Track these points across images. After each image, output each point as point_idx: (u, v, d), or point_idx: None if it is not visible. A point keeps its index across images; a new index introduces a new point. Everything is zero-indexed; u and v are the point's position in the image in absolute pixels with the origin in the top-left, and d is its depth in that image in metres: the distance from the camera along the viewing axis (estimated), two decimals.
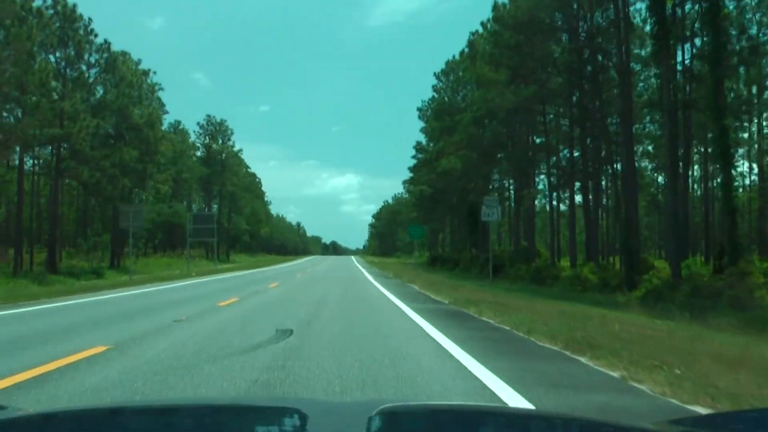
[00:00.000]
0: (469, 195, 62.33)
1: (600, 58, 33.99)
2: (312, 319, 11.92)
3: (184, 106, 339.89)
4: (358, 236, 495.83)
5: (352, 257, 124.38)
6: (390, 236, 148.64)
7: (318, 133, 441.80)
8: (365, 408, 2.20)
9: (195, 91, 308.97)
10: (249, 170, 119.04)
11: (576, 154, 38.88)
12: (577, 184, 40.66)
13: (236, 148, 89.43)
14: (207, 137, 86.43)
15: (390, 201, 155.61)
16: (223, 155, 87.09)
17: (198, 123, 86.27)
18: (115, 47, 56.69)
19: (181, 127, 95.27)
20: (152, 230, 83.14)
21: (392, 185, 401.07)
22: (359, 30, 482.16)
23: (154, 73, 62.60)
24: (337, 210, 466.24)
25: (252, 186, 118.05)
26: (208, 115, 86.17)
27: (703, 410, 5.24)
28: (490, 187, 59.80)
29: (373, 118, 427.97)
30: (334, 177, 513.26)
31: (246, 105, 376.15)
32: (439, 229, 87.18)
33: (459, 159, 42.36)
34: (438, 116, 57.23)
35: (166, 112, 72.91)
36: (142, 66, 59.00)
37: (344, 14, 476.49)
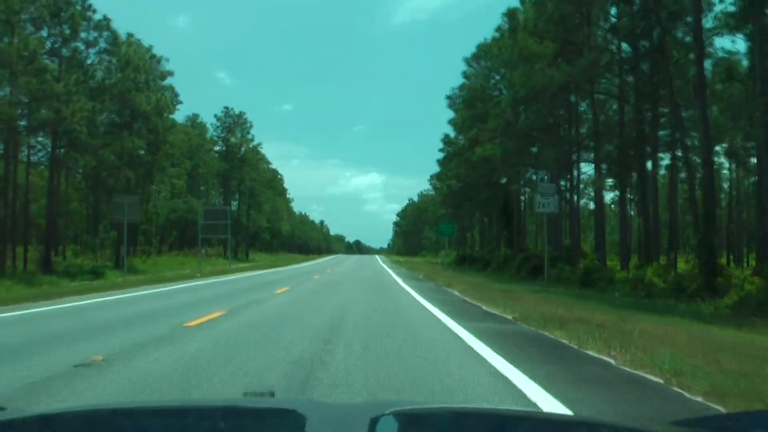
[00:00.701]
0: (502, 189, 57.25)
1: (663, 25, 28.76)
2: (317, 362, 7.00)
3: (206, 105, 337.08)
4: (381, 235, 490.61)
5: (376, 256, 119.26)
6: (415, 235, 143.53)
7: (341, 131, 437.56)
8: (367, 410, 2.21)
9: (218, 90, 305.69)
10: (270, 166, 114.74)
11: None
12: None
13: (255, 142, 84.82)
14: (225, 130, 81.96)
15: (415, 199, 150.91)
16: (242, 149, 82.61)
17: (215, 115, 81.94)
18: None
19: (199, 120, 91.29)
20: (167, 227, 79.04)
21: (416, 184, 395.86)
22: (383, 29, 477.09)
23: (167, 60, 58.29)
24: (360, 209, 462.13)
25: (273, 182, 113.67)
26: (226, 107, 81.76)
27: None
28: (534, 178, 54.72)
29: (396, 116, 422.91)
30: (357, 176, 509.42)
31: (269, 104, 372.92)
32: (467, 226, 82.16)
33: (498, 146, 37.19)
34: (470, 104, 52.15)
35: (180, 102, 68.77)
36: (163, 63, 55.26)
37: (367, 13, 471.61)
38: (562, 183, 48.30)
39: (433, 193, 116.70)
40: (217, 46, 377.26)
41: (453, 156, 58.25)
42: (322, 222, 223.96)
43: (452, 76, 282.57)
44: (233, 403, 3.25)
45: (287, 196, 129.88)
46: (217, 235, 51.10)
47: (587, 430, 2.31)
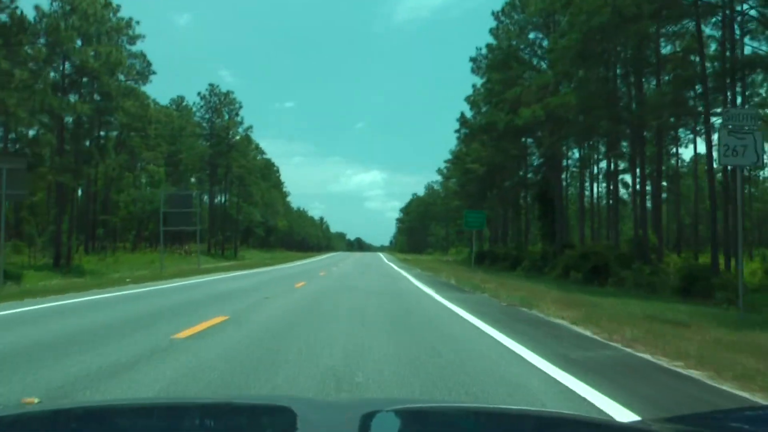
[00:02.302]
0: (538, 171, 46.13)
1: None
2: None
3: None
4: (382, 233, 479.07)
5: (380, 254, 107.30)
6: (420, 231, 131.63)
7: (343, 129, 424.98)
8: (359, 407, 2.16)
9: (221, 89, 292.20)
10: (264, 156, 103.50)
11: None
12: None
13: (246, 125, 73.33)
14: (210, 111, 70.60)
15: (419, 194, 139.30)
16: (230, 132, 71.20)
17: (199, 93, 70.46)
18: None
19: (184, 103, 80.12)
20: (143, 220, 67.78)
21: (418, 181, 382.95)
22: (384, 27, 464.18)
23: (137, 23, 46.99)
24: (361, 206, 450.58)
25: (268, 173, 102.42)
26: (211, 85, 70.30)
27: None
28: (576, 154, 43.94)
29: (397, 114, 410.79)
30: (359, 173, 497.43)
31: (271, 101, 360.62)
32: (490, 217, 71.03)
33: (572, 94, 25.69)
34: (502, 65, 40.75)
35: (153, 72, 57.50)
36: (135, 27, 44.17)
37: (368, 11, 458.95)
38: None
39: (441, 185, 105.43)
40: (219, 45, 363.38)
41: (477, 133, 46.71)
42: (321, 218, 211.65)
43: (452, 75, 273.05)
44: (227, 400, 3.07)
45: (283, 189, 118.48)
46: (183, 226, 39.92)
47: (582, 427, 2.14)
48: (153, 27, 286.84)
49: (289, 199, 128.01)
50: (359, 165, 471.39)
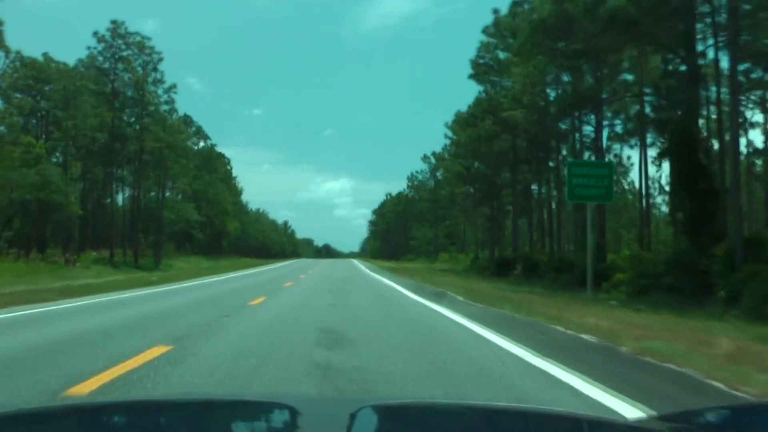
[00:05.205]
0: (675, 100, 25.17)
1: None
2: None
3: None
4: (350, 240, 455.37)
5: (354, 261, 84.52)
6: (399, 234, 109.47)
7: (312, 136, 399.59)
8: (351, 404, 2.12)
9: (187, 96, 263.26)
10: (210, 143, 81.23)
11: None
12: None
13: (168, 84, 50.72)
14: (112, 60, 48.16)
15: (393, 194, 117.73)
16: (143, 94, 48.80)
17: (95, 33, 47.66)
18: None
19: (97, 64, 57.20)
20: (11, 214, 45.31)
21: (386, 189, 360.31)
22: (353, 34, 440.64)
23: None
24: (330, 214, 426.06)
25: (212, 163, 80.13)
26: (114, 22, 47.40)
27: None
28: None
29: (366, 121, 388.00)
30: (328, 181, 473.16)
31: (239, 108, 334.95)
32: (498, 208, 49.58)
33: None
34: None
35: None
36: None
37: (337, 17, 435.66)
38: None
39: (429, 173, 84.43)
40: (186, 51, 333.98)
41: (540, 37, 24.90)
42: (286, 223, 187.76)
43: (422, 83, 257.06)
44: (220, 397, 3.04)
45: (236, 184, 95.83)
46: None
47: (579, 425, 2.06)
48: None
49: (244, 198, 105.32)
50: (328, 173, 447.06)
